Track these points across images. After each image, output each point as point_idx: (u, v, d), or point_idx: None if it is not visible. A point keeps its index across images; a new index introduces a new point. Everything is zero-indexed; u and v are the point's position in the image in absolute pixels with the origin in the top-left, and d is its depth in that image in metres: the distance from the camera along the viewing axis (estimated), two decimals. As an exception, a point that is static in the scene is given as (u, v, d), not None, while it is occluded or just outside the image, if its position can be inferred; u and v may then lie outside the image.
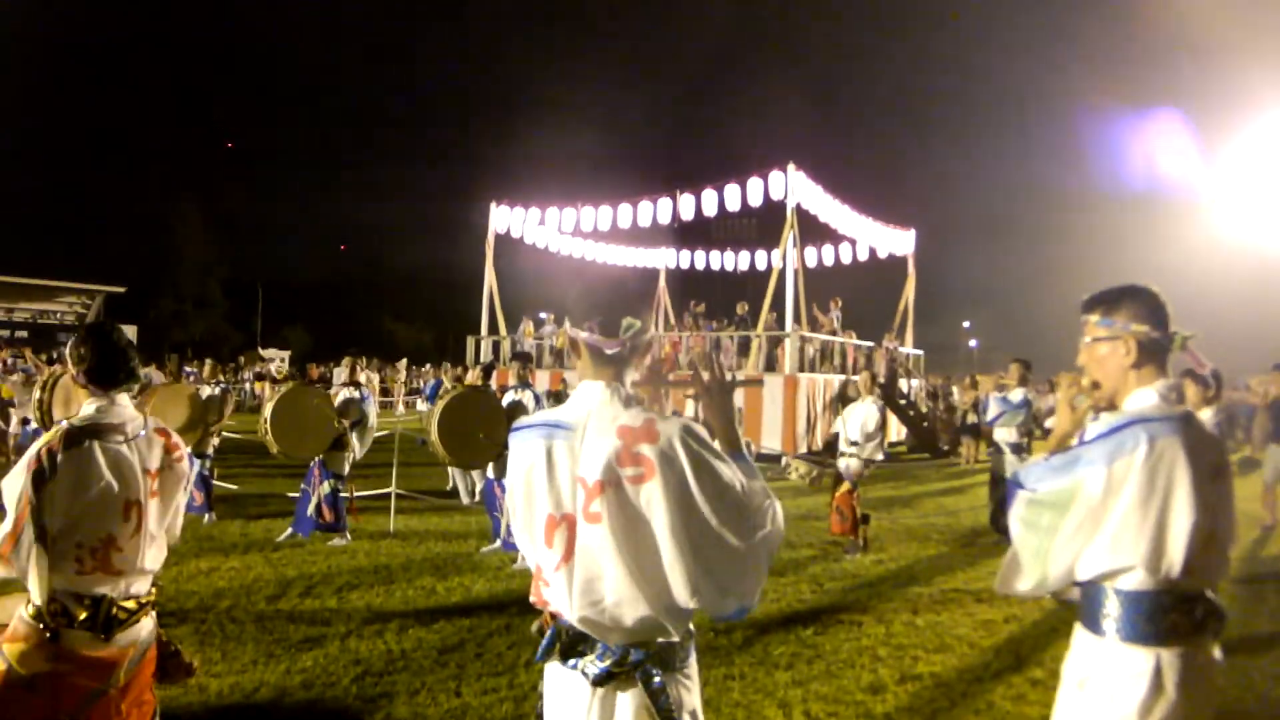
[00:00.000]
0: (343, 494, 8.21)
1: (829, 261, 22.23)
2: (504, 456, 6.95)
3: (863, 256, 22.26)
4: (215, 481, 9.57)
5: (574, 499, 2.00)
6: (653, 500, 1.93)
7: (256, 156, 61.93)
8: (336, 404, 8.21)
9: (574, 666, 2.03)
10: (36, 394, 6.36)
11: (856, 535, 8.22)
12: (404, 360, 33.36)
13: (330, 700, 4.49)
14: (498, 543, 7.71)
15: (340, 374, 8.90)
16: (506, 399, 7.58)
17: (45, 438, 2.59)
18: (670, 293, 25.83)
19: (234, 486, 10.94)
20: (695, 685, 2.09)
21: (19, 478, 2.50)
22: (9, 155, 49.79)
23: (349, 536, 8.18)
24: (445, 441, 6.70)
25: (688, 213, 18.28)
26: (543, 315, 23.26)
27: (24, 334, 32.99)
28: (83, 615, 2.51)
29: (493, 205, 21.80)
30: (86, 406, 2.70)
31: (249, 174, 59.32)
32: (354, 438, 8.25)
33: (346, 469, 8.29)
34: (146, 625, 2.74)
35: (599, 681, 1.99)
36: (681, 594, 1.94)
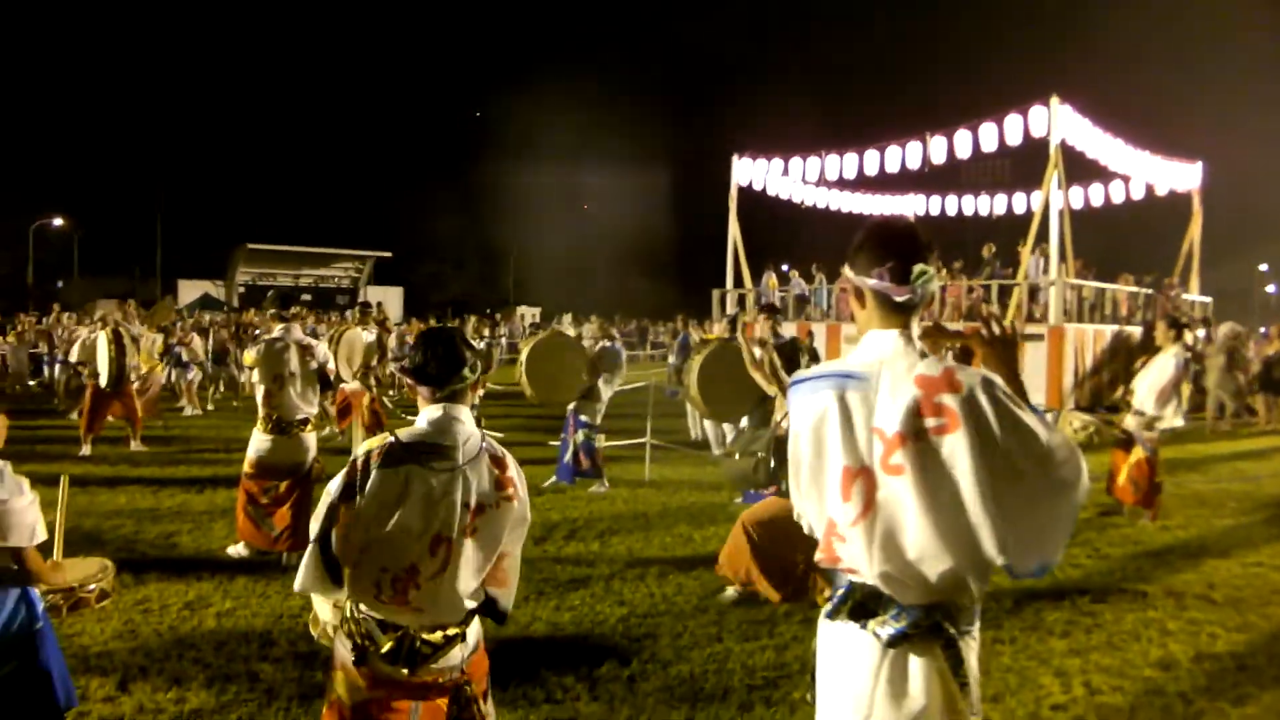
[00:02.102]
0: (596, 442, 8.56)
1: (1097, 202, 20.41)
2: (761, 408, 7.01)
3: (1138, 194, 20.14)
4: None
5: (871, 451, 1.93)
6: (957, 452, 1.84)
7: (504, 125, 65.08)
8: (593, 354, 8.55)
9: (864, 627, 1.96)
10: (326, 346, 7.13)
11: (1152, 507, 7.46)
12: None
13: (598, 637, 4.73)
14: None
15: (589, 330, 9.55)
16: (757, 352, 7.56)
17: (369, 443, 2.41)
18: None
19: (498, 435, 11.68)
20: (977, 646, 2.01)
21: (338, 480, 2.38)
22: (292, 143, 55.37)
23: (607, 484, 8.54)
24: (704, 394, 6.80)
25: (939, 156, 17.31)
26: (785, 267, 22.97)
27: (308, 297, 37.07)
28: (386, 646, 2.33)
29: (735, 158, 21.70)
30: (420, 419, 2.48)
31: (498, 141, 62.34)
32: (602, 385, 8.55)
33: (599, 418, 8.63)
34: (457, 653, 2.43)
35: (893, 643, 1.92)
36: (989, 549, 1.84)
